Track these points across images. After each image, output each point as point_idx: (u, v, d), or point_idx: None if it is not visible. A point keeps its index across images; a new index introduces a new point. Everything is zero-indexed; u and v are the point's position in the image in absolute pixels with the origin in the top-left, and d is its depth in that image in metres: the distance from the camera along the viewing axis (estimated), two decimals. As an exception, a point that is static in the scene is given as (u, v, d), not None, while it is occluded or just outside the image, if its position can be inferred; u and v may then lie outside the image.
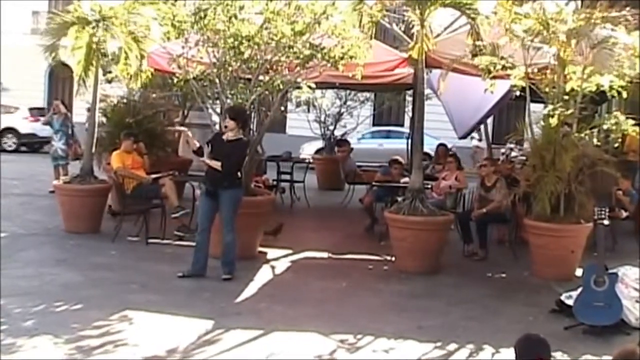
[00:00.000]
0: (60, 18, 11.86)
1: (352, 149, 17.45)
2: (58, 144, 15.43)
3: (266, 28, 9.57)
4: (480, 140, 24.66)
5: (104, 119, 13.66)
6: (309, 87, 9.84)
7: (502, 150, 19.76)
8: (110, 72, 12.90)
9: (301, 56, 9.72)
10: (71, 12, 11.76)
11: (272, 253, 10.49)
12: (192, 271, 9.01)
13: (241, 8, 9.62)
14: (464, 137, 16.61)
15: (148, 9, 11.22)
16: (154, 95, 14.57)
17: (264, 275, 9.47)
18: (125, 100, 14.16)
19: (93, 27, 11.53)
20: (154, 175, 11.71)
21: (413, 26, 10.37)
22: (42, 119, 19.43)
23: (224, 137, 9.15)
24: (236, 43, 9.59)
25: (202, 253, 9.04)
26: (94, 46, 11.63)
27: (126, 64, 11.92)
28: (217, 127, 10.59)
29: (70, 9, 11.89)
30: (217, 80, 9.96)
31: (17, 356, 6.18)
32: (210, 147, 9.32)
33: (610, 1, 9.78)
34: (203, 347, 6.65)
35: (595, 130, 9.93)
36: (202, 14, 9.59)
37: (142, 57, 11.97)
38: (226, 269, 9.04)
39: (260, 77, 9.92)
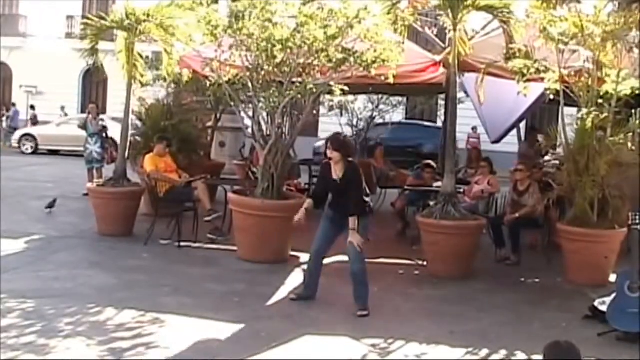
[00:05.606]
0: (95, 22, 11.98)
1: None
2: (94, 147, 15.64)
3: (299, 32, 9.56)
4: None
5: (138, 123, 13.79)
6: (342, 90, 9.84)
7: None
8: (144, 75, 13.00)
9: (334, 60, 9.70)
10: (106, 17, 11.91)
11: (303, 257, 10.46)
12: (304, 295, 8.46)
13: (274, 12, 9.65)
14: (497, 141, 16.48)
15: (179, 12, 11.31)
16: (188, 99, 14.67)
17: (295, 279, 9.46)
18: (160, 104, 14.22)
19: (129, 31, 11.65)
20: (185, 178, 11.75)
21: (447, 30, 10.33)
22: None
23: (334, 176, 8.29)
24: (269, 47, 9.60)
25: (315, 278, 8.45)
26: (130, 50, 11.77)
27: (170, 64, 12.08)
28: (250, 130, 10.65)
29: (113, 10, 12.06)
30: (249, 84, 9.99)
31: (51, 357, 6.24)
32: (322, 186, 8.58)
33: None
34: (234, 351, 6.64)
35: (630, 134, 9.83)
36: (236, 18, 9.63)
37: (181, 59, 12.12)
38: (360, 303, 8.06)
39: (293, 81, 9.94)
